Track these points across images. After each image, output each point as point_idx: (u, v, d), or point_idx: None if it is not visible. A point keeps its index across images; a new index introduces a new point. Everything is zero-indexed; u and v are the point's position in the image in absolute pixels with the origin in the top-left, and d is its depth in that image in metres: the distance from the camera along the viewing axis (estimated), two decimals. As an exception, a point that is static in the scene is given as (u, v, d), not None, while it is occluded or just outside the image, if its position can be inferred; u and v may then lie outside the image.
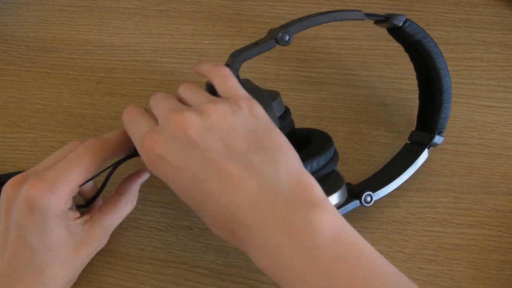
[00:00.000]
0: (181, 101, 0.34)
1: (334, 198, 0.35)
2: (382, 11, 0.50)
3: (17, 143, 0.46)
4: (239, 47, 0.44)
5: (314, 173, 0.34)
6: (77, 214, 0.35)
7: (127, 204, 0.38)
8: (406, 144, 0.44)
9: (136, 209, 0.43)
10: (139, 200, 0.43)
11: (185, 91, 0.34)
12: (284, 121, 0.37)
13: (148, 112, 0.34)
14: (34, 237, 0.33)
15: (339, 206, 0.37)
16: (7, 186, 0.34)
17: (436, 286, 0.39)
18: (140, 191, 0.43)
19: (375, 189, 0.40)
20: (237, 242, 0.30)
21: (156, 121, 0.33)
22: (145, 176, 0.40)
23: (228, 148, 0.30)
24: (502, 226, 0.41)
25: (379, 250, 0.29)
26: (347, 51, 0.48)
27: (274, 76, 0.48)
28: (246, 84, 0.38)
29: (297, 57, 0.48)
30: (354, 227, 0.30)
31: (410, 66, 0.43)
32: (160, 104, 0.33)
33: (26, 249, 0.33)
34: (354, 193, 0.39)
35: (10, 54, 0.50)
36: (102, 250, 0.37)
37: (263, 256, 0.28)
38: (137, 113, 0.34)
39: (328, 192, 0.34)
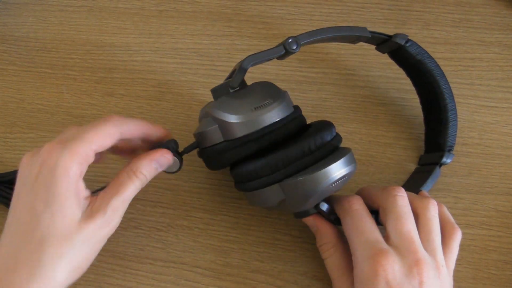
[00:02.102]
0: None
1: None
2: (382, 11, 0.50)
3: (17, 143, 0.46)
4: (239, 47, 0.44)
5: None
6: (88, 193, 0.33)
7: (134, 184, 0.34)
8: (416, 168, 0.44)
9: (136, 209, 0.43)
10: (139, 200, 0.43)
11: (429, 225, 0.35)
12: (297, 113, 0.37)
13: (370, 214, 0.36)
14: (40, 199, 0.31)
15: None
16: (24, 157, 0.33)
17: (436, 286, 0.39)
18: (140, 191, 0.43)
19: None
20: None
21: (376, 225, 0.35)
22: (164, 164, 0.36)
23: None
24: (502, 226, 0.41)
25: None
26: (347, 51, 0.48)
27: (274, 76, 0.48)
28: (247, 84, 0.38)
29: (297, 57, 0.48)
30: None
31: (410, 66, 0.44)
32: (402, 222, 0.34)
33: (31, 215, 0.31)
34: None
35: (10, 54, 0.50)
36: (102, 250, 0.36)
37: None
38: (366, 213, 0.36)
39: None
